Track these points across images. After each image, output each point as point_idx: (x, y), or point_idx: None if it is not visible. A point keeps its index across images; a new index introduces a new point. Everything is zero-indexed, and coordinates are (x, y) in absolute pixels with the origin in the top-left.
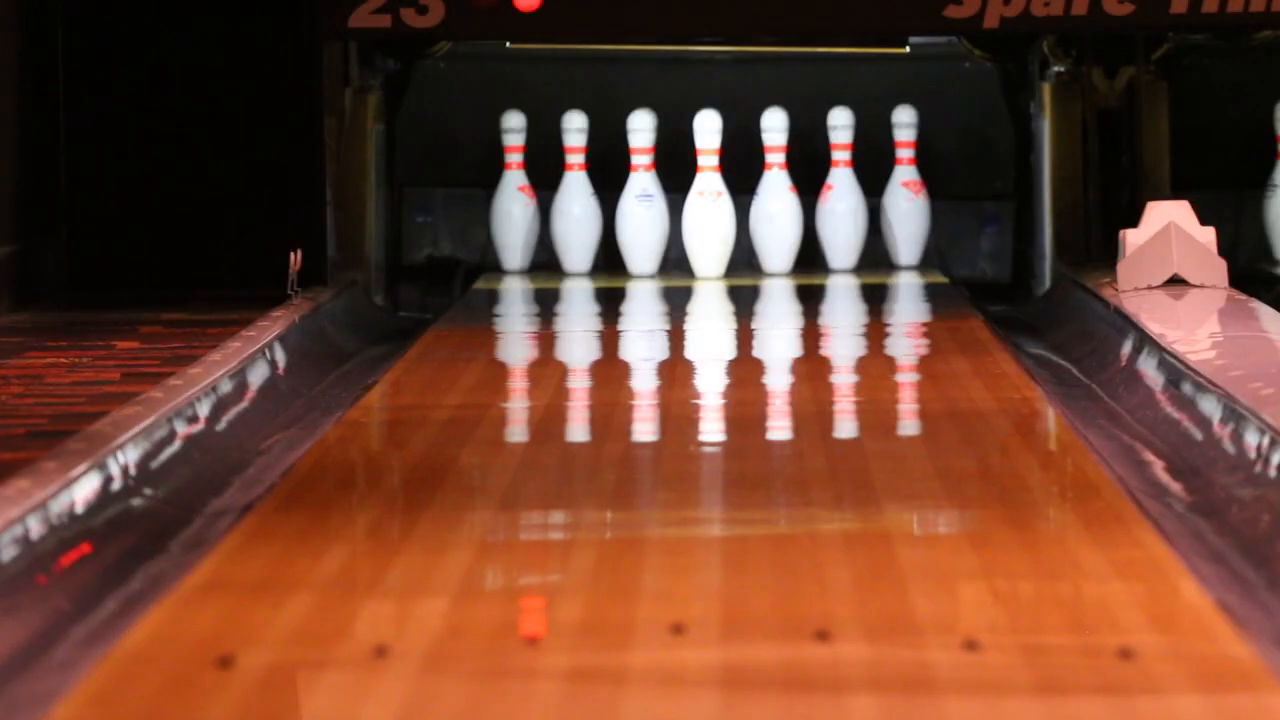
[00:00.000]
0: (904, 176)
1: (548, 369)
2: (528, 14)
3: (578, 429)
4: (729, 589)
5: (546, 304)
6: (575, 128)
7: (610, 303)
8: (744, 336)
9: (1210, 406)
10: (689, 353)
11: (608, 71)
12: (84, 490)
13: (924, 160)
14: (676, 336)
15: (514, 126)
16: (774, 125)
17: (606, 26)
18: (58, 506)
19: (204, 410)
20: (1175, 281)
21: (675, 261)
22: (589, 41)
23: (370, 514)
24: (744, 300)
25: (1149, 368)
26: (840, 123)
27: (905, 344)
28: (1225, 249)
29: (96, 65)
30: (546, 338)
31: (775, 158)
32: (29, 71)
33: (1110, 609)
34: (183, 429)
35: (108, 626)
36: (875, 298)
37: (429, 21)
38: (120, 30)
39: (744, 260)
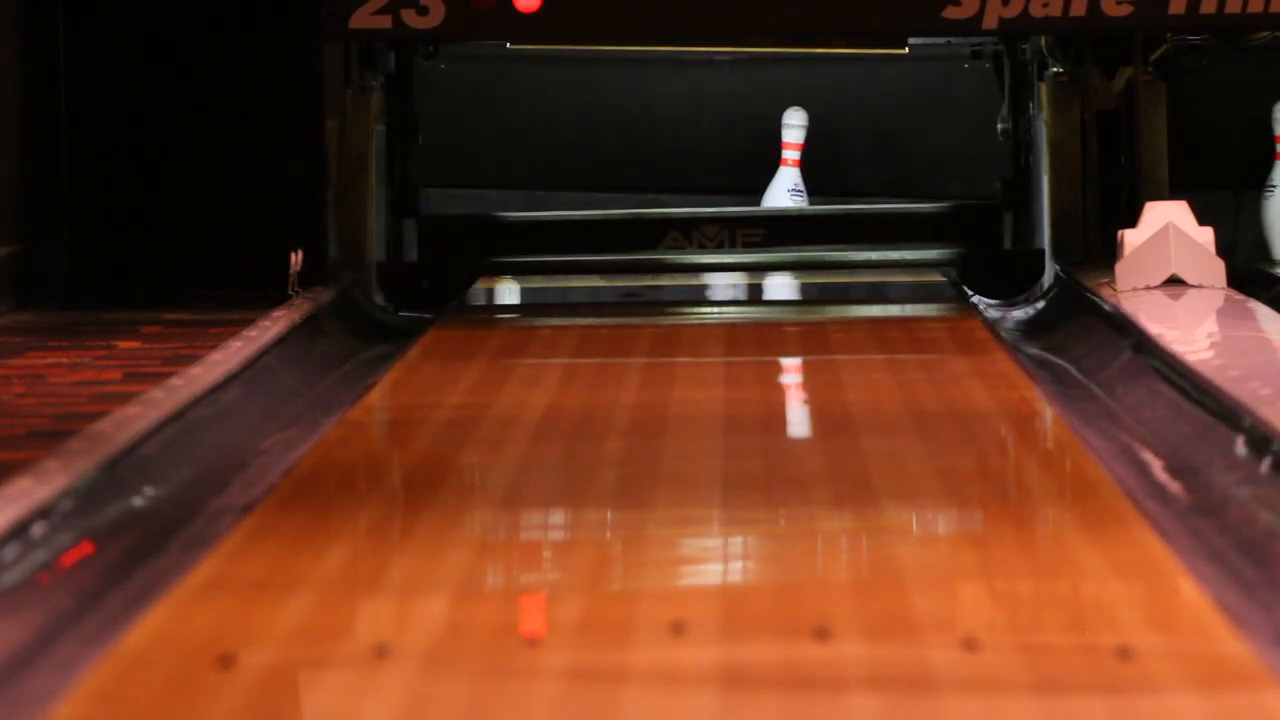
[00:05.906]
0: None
1: (548, 369)
2: (528, 14)
3: (578, 429)
4: (729, 588)
5: (546, 304)
6: (794, 124)
7: (611, 301)
8: (744, 336)
9: (1208, 406)
10: (690, 351)
11: (607, 71)
12: (85, 490)
13: (923, 160)
14: (678, 335)
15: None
16: (791, 124)
17: (606, 26)
18: (60, 506)
19: (205, 410)
20: (1173, 281)
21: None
22: (589, 41)
23: (371, 513)
24: (744, 299)
25: (1147, 368)
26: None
27: (905, 344)
28: (1223, 249)
29: (97, 65)
30: (547, 337)
31: (791, 154)
32: (30, 72)
33: (1108, 608)
34: (184, 429)
35: (109, 625)
36: (875, 298)
37: (429, 22)
38: (121, 31)
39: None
